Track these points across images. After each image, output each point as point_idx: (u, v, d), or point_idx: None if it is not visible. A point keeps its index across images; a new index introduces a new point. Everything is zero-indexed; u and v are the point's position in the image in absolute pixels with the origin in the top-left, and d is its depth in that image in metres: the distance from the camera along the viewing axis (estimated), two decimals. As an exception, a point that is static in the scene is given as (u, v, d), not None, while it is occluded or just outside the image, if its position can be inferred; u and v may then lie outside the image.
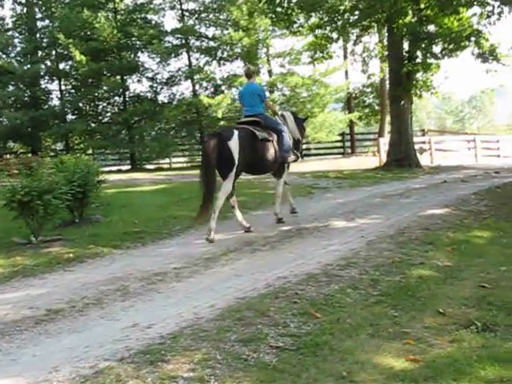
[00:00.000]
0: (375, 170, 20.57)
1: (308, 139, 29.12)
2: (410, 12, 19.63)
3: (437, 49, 19.91)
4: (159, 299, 6.20)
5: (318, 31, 22.09)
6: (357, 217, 10.49)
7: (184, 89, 31.27)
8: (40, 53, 32.15)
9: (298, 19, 21.34)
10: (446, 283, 6.30)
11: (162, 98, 31.27)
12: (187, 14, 30.12)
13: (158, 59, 30.09)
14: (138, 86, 31.47)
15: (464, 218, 10.04)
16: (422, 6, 19.63)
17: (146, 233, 9.95)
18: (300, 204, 12.13)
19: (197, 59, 30.19)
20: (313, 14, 20.67)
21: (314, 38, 23.22)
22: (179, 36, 29.66)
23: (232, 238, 9.35)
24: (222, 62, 29.72)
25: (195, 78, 29.26)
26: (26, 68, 30.63)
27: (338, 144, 33.78)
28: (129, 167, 30.43)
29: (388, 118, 26.39)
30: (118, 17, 30.12)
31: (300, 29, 22.35)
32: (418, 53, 20.39)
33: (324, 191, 14.73)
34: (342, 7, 19.12)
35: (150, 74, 31.22)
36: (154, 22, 30.42)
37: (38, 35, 32.12)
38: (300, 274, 6.70)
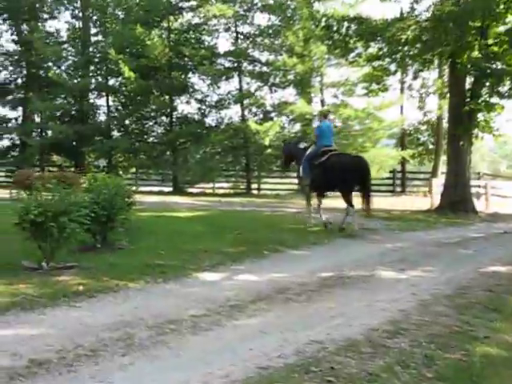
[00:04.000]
0: (427, 212, 19.23)
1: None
2: (477, 47, 18.35)
3: (503, 88, 18.61)
4: (167, 357, 5.12)
5: (376, 62, 20.98)
6: (407, 267, 9.26)
7: (233, 113, 30.53)
8: (91, 67, 31.88)
9: (356, 48, 20.27)
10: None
11: (210, 120, 30.68)
12: (241, 37, 29.54)
13: (209, 81, 29.52)
14: (186, 107, 30.87)
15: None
16: (491, 41, 18.35)
17: (169, 267, 8.90)
18: (344, 246, 11.04)
19: (248, 83, 29.56)
20: (372, 43, 19.58)
21: (370, 69, 22.14)
22: (231, 59, 29.06)
23: (265, 281, 8.24)
24: (273, 88, 28.89)
25: (245, 102, 28.53)
26: (75, 81, 30.32)
27: (388, 181, 32.41)
28: (171, 189, 29.72)
29: (443, 158, 25.07)
30: (172, 36, 29.66)
31: (357, 58, 21.27)
32: (482, 91, 19.07)
33: (371, 233, 13.47)
34: (404, 37, 17.99)
35: (199, 96, 30.71)
36: (207, 43, 29.88)
37: (90, 49, 31.88)
38: (339, 338, 5.54)
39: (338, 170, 12.63)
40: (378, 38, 19.09)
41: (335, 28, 19.82)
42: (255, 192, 29.40)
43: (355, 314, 6.45)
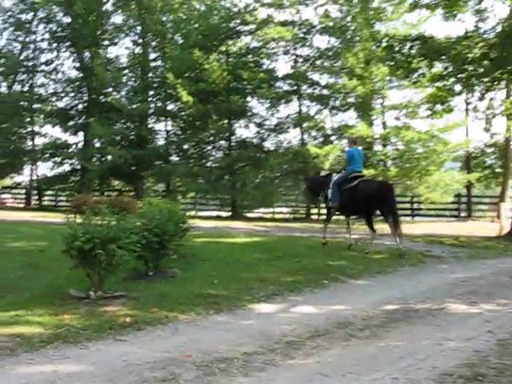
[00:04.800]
0: (496, 239, 18.16)
1: (420, 199, 27.09)
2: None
3: None
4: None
5: (440, 83, 20.21)
6: (480, 300, 8.47)
7: (292, 137, 30.11)
8: (150, 92, 32.05)
9: (419, 68, 19.56)
10: None
11: (269, 144, 30.27)
12: (300, 59, 29.14)
13: (268, 104, 29.14)
14: (244, 131, 30.72)
15: None
16: None
17: (223, 297, 8.38)
18: (409, 276, 10.38)
19: (307, 107, 29.09)
20: (436, 62, 18.86)
21: (434, 90, 21.34)
22: (290, 82, 28.67)
23: (324, 314, 7.63)
24: (333, 111, 28.31)
25: (304, 125, 28.08)
26: (134, 106, 30.47)
27: (452, 206, 31.22)
28: (229, 214, 29.36)
29: (511, 182, 23.99)
30: (230, 59, 29.53)
31: (420, 79, 20.53)
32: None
33: (438, 261, 12.66)
34: (471, 55, 17.24)
35: (257, 120, 30.40)
36: (265, 67, 29.61)
37: (149, 74, 32.07)
38: (407, 385, 4.92)
39: (364, 195, 13.22)
40: (443, 57, 18.40)
41: (397, 48, 19.25)
42: (315, 217, 28.73)
43: (425, 355, 5.77)
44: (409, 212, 29.06)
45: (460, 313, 7.76)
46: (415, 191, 26.82)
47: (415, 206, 29.45)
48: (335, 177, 14.38)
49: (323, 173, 16.31)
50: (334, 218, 26.50)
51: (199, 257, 11.83)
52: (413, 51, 18.83)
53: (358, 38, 26.55)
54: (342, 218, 26.68)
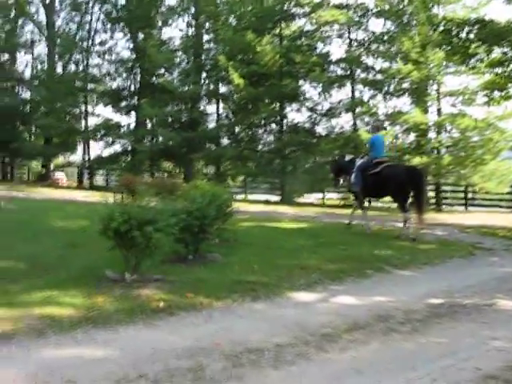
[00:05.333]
0: (553, 232, 17.49)
1: (475, 188, 26.33)
2: None
3: None
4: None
5: (499, 69, 19.48)
6: (531, 297, 8.05)
7: (344, 122, 29.51)
8: (203, 74, 31.96)
9: (477, 53, 18.87)
10: None
11: (320, 129, 29.86)
12: (355, 43, 28.56)
13: (320, 89, 28.72)
14: (296, 115, 30.33)
15: None
16: None
17: (261, 284, 8.13)
18: (457, 268, 9.97)
19: (360, 92, 28.52)
20: (495, 47, 18.15)
21: (492, 76, 20.61)
22: (344, 66, 28.15)
23: (365, 305, 7.32)
24: (387, 96, 27.68)
25: (357, 111, 27.50)
26: (186, 88, 30.43)
27: (508, 197, 30.29)
28: (278, 198, 29.10)
29: None
30: (283, 42, 29.17)
31: (478, 64, 19.84)
32: None
33: (488, 254, 12.11)
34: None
35: (310, 104, 30.01)
36: (318, 50, 29.14)
37: (202, 57, 31.92)
38: (447, 386, 4.60)
39: (392, 180, 13.34)
40: (503, 42, 17.65)
41: (455, 32, 18.58)
42: (366, 204, 28.20)
43: (468, 354, 5.44)
44: (462, 201, 28.28)
45: (509, 310, 7.35)
46: (469, 180, 26.06)
47: (469, 195, 28.63)
48: (358, 162, 14.57)
49: (347, 157, 15.91)
50: (386, 205, 26.30)
51: (242, 241, 11.59)
52: (471, 35, 18.14)
53: (414, 22, 25.89)
54: (392, 206, 26.45)
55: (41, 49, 53.35)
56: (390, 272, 9.57)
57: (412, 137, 26.86)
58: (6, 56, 38.49)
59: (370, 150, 14.44)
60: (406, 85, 26.49)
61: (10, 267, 8.73)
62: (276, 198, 29.42)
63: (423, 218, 13.59)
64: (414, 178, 13.51)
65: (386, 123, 27.07)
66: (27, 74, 39.66)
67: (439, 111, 26.36)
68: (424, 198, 14.16)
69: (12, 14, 38.47)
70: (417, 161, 23.66)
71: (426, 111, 25.89)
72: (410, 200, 13.70)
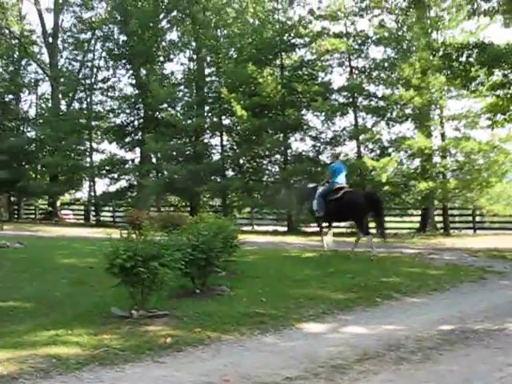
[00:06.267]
0: None
1: (482, 211, 26.21)
2: None
3: None
4: None
5: (501, 91, 19.51)
6: (544, 320, 7.92)
7: (348, 149, 29.43)
8: (206, 107, 32.15)
9: (478, 76, 18.91)
10: None
11: (325, 158, 29.73)
12: (356, 71, 28.60)
13: (323, 117, 28.75)
14: (300, 144, 30.25)
15: None
16: None
17: (270, 316, 8.05)
18: (468, 293, 9.87)
19: (363, 119, 28.44)
20: (495, 70, 18.20)
21: (494, 99, 20.62)
22: (346, 94, 28.20)
23: (374, 335, 7.22)
24: (390, 122, 27.68)
25: (361, 138, 27.46)
26: (190, 122, 30.59)
27: (516, 219, 30.08)
28: (285, 229, 29.02)
29: None
30: (284, 73, 29.36)
31: (479, 88, 19.87)
32: None
33: (499, 277, 11.96)
34: (532, 61, 16.58)
35: (313, 133, 29.97)
36: (320, 79, 29.24)
37: (204, 90, 32.12)
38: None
39: (353, 204, 14.33)
40: (503, 64, 17.70)
41: (454, 56, 18.67)
42: (373, 231, 28.07)
43: (483, 382, 5.33)
44: (471, 225, 28.13)
45: (522, 334, 7.24)
46: (476, 203, 25.97)
47: (477, 218, 28.47)
48: (319, 189, 15.47)
49: (310, 185, 17.29)
50: (392, 231, 26.20)
51: (249, 273, 11.55)
52: (471, 59, 18.22)
53: (414, 48, 26.01)
54: (400, 232, 26.34)
55: (45, 88, 53.93)
56: (400, 299, 9.48)
57: (417, 162, 26.86)
58: (11, 96, 38.82)
59: (331, 177, 15.29)
60: (408, 110, 26.54)
61: (17, 306, 8.71)
62: (283, 229, 29.32)
63: (384, 234, 15.57)
64: (373, 202, 14.73)
65: (390, 149, 27.10)
66: (32, 113, 40.07)
67: (443, 135, 26.34)
68: (382, 219, 15.73)
69: (15, 55, 38.93)
70: (423, 186, 23.61)
71: (429, 136, 25.90)
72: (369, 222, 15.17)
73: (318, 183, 17.11)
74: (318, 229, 16.38)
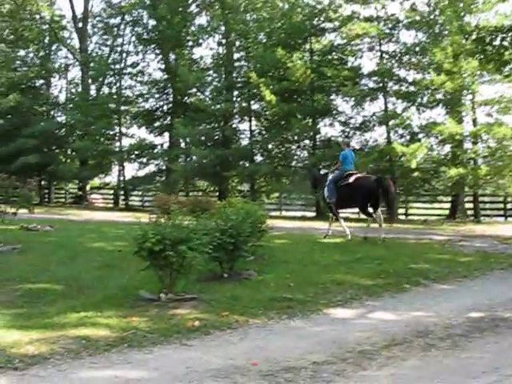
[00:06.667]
0: None
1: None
2: None
3: None
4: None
5: (534, 75, 19.21)
6: None
7: (377, 135, 29.15)
8: (234, 92, 32.10)
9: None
10: None
11: (354, 143, 29.45)
12: (386, 55, 28.28)
13: (352, 102, 28.53)
14: (329, 129, 29.98)
15: None
16: None
17: (297, 301, 8.04)
18: (498, 281, 9.77)
19: (393, 104, 28.14)
20: (530, 53, 17.91)
21: (528, 83, 20.32)
22: (376, 79, 27.92)
23: (403, 321, 7.17)
24: (421, 108, 27.37)
25: (390, 123, 27.15)
26: (218, 106, 30.58)
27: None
28: (314, 214, 28.91)
29: None
30: (313, 57, 29.17)
31: (513, 71, 19.58)
32: None
33: (531, 264, 11.87)
34: None
35: (342, 118, 29.78)
36: (350, 64, 28.99)
37: (233, 74, 32.04)
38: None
39: (363, 188, 14.60)
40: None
41: (488, 40, 18.36)
42: (402, 217, 27.91)
43: (512, 371, 5.26)
44: (502, 212, 27.79)
45: (553, 322, 7.14)
46: (508, 190, 25.65)
47: (509, 205, 28.10)
48: (330, 176, 15.74)
49: (322, 171, 18.49)
50: (422, 218, 25.96)
51: (277, 258, 11.53)
52: (505, 43, 17.90)
53: (446, 32, 25.62)
54: (430, 218, 26.12)
55: (75, 73, 54.34)
56: (428, 286, 9.40)
57: (447, 148, 26.54)
58: (41, 81, 39.14)
59: (342, 164, 15.45)
60: (439, 96, 26.17)
61: (47, 289, 8.82)
62: (312, 214, 29.23)
63: (393, 218, 16.01)
64: (383, 186, 14.64)
65: (421, 135, 26.81)
66: (62, 97, 40.34)
67: (474, 121, 26.01)
68: (393, 203, 15.64)
69: (46, 40, 39.23)
70: (453, 172, 23.35)
71: (460, 121, 25.59)
72: (380, 206, 15.15)
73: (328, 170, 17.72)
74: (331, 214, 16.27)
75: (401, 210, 28.62)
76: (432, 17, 26.58)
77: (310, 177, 18.76)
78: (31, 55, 39.34)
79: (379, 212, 14.90)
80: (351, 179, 14.86)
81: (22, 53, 38.67)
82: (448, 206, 28.48)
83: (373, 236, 14.80)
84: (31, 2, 38.10)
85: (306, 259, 11.65)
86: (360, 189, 14.60)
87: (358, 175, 15.18)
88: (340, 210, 16.07)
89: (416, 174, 25.88)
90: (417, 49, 27.38)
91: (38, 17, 39.13)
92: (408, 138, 27.18)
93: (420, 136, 26.76)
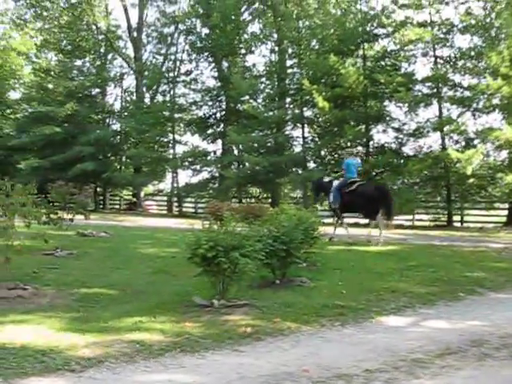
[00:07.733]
0: None
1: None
2: None
3: None
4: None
5: None
6: None
7: (432, 141, 28.71)
8: (287, 99, 32.18)
9: None
10: None
11: (407, 149, 29.23)
12: (441, 61, 27.90)
13: (406, 109, 28.21)
14: (382, 136, 29.63)
15: None
16: None
17: (350, 308, 8.01)
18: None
19: (448, 110, 27.72)
20: None
21: None
22: (430, 84, 27.56)
23: (457, 330, 7.07)
24: (476, 113, 26.89)
25: (445, 129, 26.74)
26: (271, 113, 30.69)
27: None
28: (367, 221, 28.61)
29: None
30: (367, 64, 28.99)
31: None
32: None
33: None
34: None
35: (395, 124, 29.43)
36: (403, 70, 28.70)
37: (286, 81, 32.11)
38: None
39: (365, 196, 15.78)
40: None
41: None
42: (457, 225, 27.46)
43: None
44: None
45: None
46: None
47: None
48: (335, 183, 17.40)
49: (326, 179, 19.99)
50: (478, 225, 25.48)
51: (330, 265, 11.52)
52: None
53: (502, 36, 25.16)
54: (486, 225, 25.63)
55: (129, 81, 55.11)
56: (484, 295, 9.25)
57: (504, 154, 26.01)
58: (97, 90, 39.90)
59: (345, 172, 17.03)
60: (496, 100, 25.66)
61: (102, 293, 8.97)
62: (365, 221, 28.96)
63: (391, 224, 17.02)
64: (383, 193, 16.20)
65: (476, 141, 26.33)
66: (117, 106, 40.99)
67: (533, 127, 25.39)
68: (391, 208, 16.32)
69: (102, 50, 40.05)
70: (510, 178, 22.89)
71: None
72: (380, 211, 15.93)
73: (333, 178, 19.48)
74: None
75: (456, 217, 28.18)
76: (488, 20, 26.15)
77: (312, 186, 19.74)
78: (88, 65, 40.14)
79: (379, 216, 15.92)
80: (353, 186, 16.25)
81: (78, 62, 39.37)
82: (505, 213, 27.88)
83: (374, 238, 15.74)
84: (88, 13, 38.95)
85: (359, 266, 11.62)
86: (362, 195, 15.86)
87: (360, 183, 16.62)
88: (344, 215, 17.57)
89: (472, 180, 25.46)
90: (472, 53, 26.97)
91: (94, 27, 39.95)
92: (463, 143, 26.72)
93: (476, 142, 26.26)
